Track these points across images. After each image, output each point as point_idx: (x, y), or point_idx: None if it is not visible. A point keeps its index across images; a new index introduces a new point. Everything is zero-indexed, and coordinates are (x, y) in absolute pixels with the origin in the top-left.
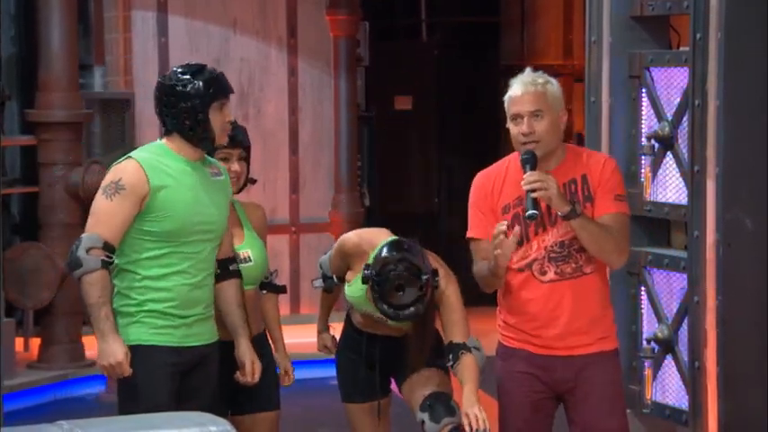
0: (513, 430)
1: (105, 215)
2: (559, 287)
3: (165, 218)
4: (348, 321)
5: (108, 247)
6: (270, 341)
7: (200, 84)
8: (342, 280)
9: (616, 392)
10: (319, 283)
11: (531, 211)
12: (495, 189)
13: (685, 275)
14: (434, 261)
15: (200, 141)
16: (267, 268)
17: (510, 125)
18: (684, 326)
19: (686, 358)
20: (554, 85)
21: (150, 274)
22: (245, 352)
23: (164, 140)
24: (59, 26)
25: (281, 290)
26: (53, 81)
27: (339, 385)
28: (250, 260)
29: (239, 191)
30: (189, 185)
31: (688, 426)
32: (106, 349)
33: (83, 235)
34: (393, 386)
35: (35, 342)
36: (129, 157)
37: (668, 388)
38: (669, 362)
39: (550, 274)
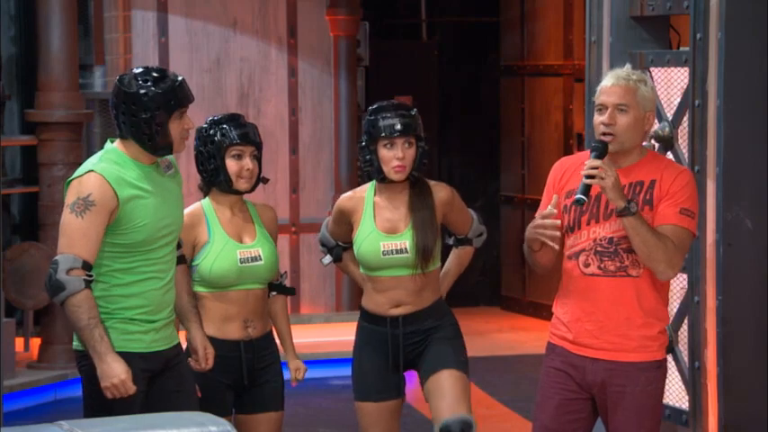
0: (542, 426)
1: (78, 234)
2: (599, 283)
3: (134, 229)
4: (364, 317)
5: (86, 266)
6: (276, 341)
7: (162, 93)
8: (347, 244)
9: (649, 406)
10: (328, 259)
11: (578, 196)
12: (565, 174)
13: (685, 275)
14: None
15: (158, 150)
16: (278, 270)
17: (595, 114)
18: (685, 326)
19: (686, 358)
20: (647, 86)
21: (122, 283)
22: (196, 338)
23: (116, 144)
24: (59, 26)
25: (291, 291)
26: (53, 81)
27: (354, 383)
28: (260, 259)
29: (252, 189)
30: (151, 192)
31: (688, 426)
32: (108, 371)
33: (57, 257)
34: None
35: (35, 342)
36: (91, 170)
37: (669, 388)
38: (669, 362)
39: (593, 268)
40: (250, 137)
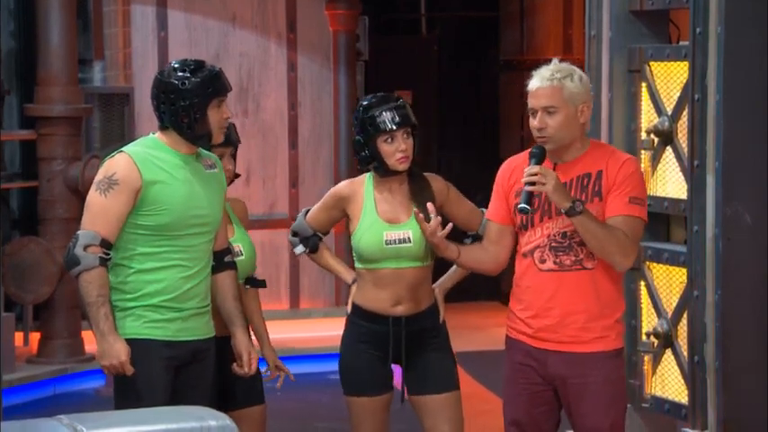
0: (513, 420)
1: (100, 211)
2: (556, 278)
3: (159, 212)
4: (359, 315)
5: (105, 244)
6: (253, 335)
7: (200, 82)
8: (324, 234)
9: (613, 394)
10: (301, 249)
11: (522, 205)
12: (512, 174)
13: (685, 270)
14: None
15: (197, 139)
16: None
17: (530, 117)
18: (684, 320)
19: (686, 353)
20: (574, 80)
21: (145, 268)
22: (242, 343)
23: (157, 134)
24: (59, 21)
25: (262, 284)
26: (52, 76)
27: (346, 378)
28: (242, 254)
29: (228, 184)
30: (183, 179)
31: (687, 420)
32: (108, 349)
33: (79, 232)
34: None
35: (35, 336)
36: (121, 151)
37: (668, 382)
38: (669, 356)
39: (549, 264)
40: (231, 138)
